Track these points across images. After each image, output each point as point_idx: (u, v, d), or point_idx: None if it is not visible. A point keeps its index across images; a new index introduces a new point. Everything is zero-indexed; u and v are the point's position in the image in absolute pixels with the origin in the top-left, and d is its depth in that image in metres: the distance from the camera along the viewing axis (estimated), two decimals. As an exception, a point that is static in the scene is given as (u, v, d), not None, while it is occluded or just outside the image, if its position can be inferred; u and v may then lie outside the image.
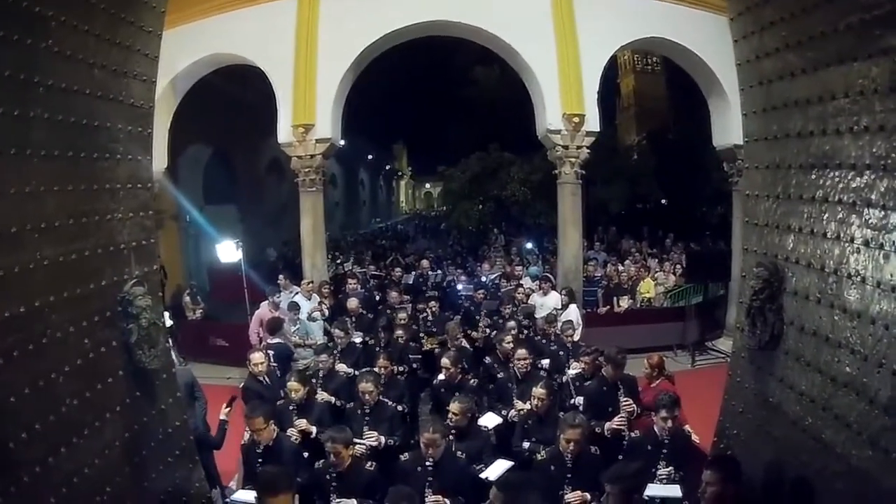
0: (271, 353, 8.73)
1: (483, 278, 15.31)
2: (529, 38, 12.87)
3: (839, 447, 3.57)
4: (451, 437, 6.01)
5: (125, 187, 4.23)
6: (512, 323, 9.60)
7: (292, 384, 6.90)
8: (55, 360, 3.42)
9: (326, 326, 10.93)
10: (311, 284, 12.07)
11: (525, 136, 16.80)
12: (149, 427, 4.38)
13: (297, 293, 11.95)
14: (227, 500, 6.31)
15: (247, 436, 6.27)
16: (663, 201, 28.34)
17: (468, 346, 9.66)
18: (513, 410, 7.24)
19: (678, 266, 16.66)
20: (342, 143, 13.68)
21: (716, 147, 14.30)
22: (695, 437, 6.53)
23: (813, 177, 3.84)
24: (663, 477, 5.60)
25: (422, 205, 79.64)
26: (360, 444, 6.24)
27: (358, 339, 9.78)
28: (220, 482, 7.31)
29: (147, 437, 4.34)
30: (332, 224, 26.28)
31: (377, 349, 8.88)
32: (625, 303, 14.34)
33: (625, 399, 6.85)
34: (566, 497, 5.35)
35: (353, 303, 10.92)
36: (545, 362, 8.90)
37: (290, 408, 6.82)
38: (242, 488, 6.23)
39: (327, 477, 5.48)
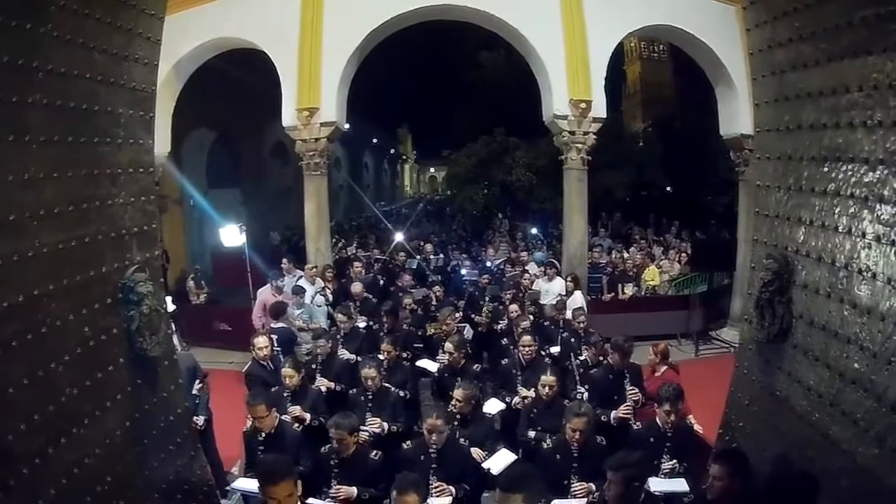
0: (275, 337, 8.71)
1: (488, 263, 15.30)
2: (537, 22, 12.81)
3: (845, 444, 3.53)
4: (454, 423, 6.00)
5: (126, 172, 4.18)
6: (514, 307, 9.56)
7: (286, 370, 6.90)
8: (55, 350, 3.38)
9: (330, 311, 10.91)
10: (314, 269, 12.04)
11: (530, 121, 16.76)
12: (150, 415, 4.34)
13: (300, 277, 11.94)
14: (228, 487, 6.30)
15: (249, 422, 6.25)
16: (668, 189, 28.27)
17: (469, 331, 9.64)
18: (516, 398, 7.22)
19: (683, 254, 16.61)
20: (347, 126, 13.62)
21: (722, 136, 14.20)
22: (697, 428, 6.54)
23: (825, 169, 3.78)
24: (667, 471, 5.59)
25: (426, 189, 79.52)
26: (362, 430, 6.23)
27: (361, 324, 9.77)
28: (221, 468, 7.30)
29: (149, 426, 4.31)
30: (337, 208, 26.22)
31: (381, 334, 8.85)
32: (629, 290, 14.33)
33: (631, 388, 6.84)
34: (572, 487, 5.34)
35: (357, 287, 10.91)
36: (555, 349, 8.90)
37: (285, 394, 6.81)
38: (244, 476, 6.23)
39: (330, 462, 5.47)
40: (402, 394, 7.19)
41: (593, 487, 5.32)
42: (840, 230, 3.63)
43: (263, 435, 5.90)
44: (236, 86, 19.27)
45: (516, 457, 6.24)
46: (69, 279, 3.53)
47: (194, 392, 6.88)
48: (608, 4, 12.86)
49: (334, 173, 29.29)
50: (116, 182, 4.06)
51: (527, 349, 7.60)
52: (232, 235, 13.26)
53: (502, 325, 10.00)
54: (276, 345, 8.30)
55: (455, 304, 10.66)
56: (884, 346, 3.25)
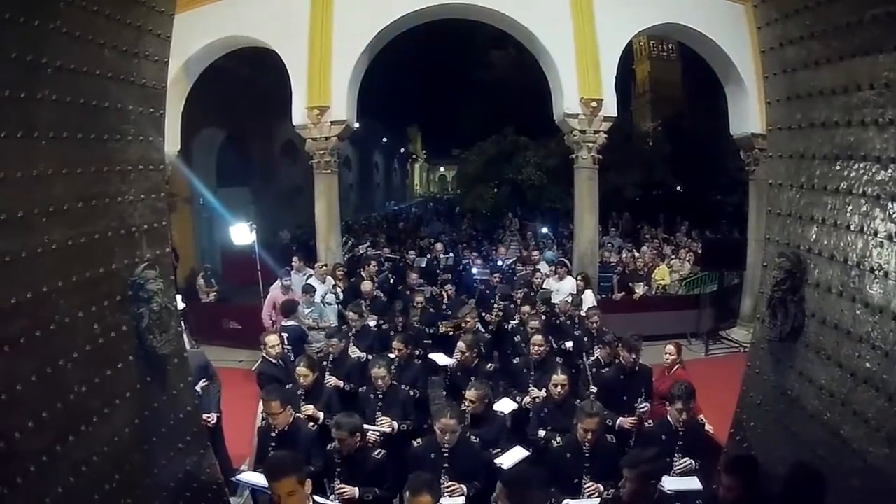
0: (285, 335, 8.71)
1: (499, 262, 15.29)
2: (547, 21, 12.80)
3: (857, 443, 3.51)
4: (466, 422, 5.98)
5: (136, 169, 4.16)
6: (527, 307, 9.53)
7: (301, 369, 6.89)
8: (63, 347, 3.36)
9: (340, 309, 10.90)
10: (324, 267, 12.04)
11: (540, 120, 16.77)
12: (159, 413, 4.33)
13: (310, 275, 11.93)
14: (233, 478, 6.30)
15: (259, 419, 6.25)
16: (678, 188, 28.21)
17: (483, 331, 9.62)
18: (527, 397, 7.20)
19: (693, 254, 16.56)
20: (357, 125, 13.60)
21: (733, 135, 14.16)
22: (708, 427, 6.51)
23: (837, 168, 3.75)
24: (680, 469, 5.57)
25: (436, 188, 79.63)
26: (372, 430, 6.22)
27: (372, 323, 9.76)
28: (230, 466, 7.30)
29: (158, 424, 4.29)
30: (347, 207, 26.27)
31: (391, 333, 8.84)
32: (640, 289, 14.28)
33: (642, 405, 6.84)
34: (584, 487, 5.32)
35: (367, 286, 10.91)
36: (568, 344, 8.91)
37: (299, 393, 6.79)
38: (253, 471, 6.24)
39: (335, 461, 5.48)
40: (412, 392, 7.17)
41: (602, 488, 5.31)
42: (852, 229, 3.60)
43: (276, 431, 5.88)
44: (246, 84, 19.36)
45: (528, 453, 6.22)
46: (78, 276, 3.52)
47: (197, 389, 6.84)
48: (618, 3, 12.84)
49: (344, 172, 29.33)
50: (126, 179, 4.05)
51: (538, 349, 7.59)
52: (242, 234, 13.29)
53: (513, 323, 9.96)
54: (286, 343, 8.29)
55: (466, 302, 10.63)
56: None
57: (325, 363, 7.72)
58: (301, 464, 4.30)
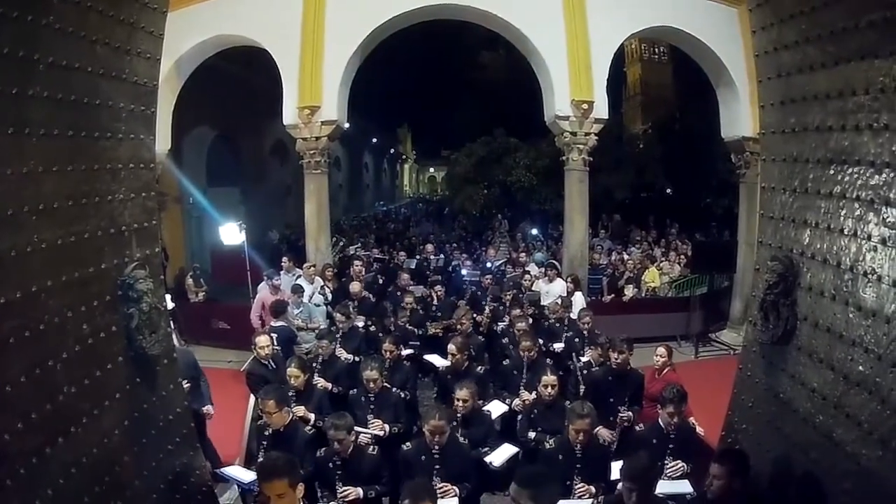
0: (274, 335, 8.68)
1: (488, 264, 15.29)
2: (539, 23, 12.80)
3: (849, 446, 3.53)
4: (456, 423, 5.96)
5: (127, 167, 4.13)
6: (518, 311, 9.53)
7: (292, 370, 6.87)
8: (53, 347, 3.33)
9: (329, 310, 10.87)
10: (312, 268, 12.00)
11: (531, 121, 16.85)
12: (149, 414, 4.30)
13: (299, 276, 11.90)
14: (217, 471, 6.26)
15: (248, 419, 6.24)
16: (668, 191, 28.30)
17: (475, 333, 9.61)
18: (516, 400, 7.19)
19: (683, 256, 16.60)
20: (347, 125, 13.58)
21: (724, 138, 14.23)
22: (699, 430, 6.52)
23: (831, 172, 3.78)
24: (672, 473, 5.58)
25: (426, 189, 79.68)
26: (364, 433, 6.19)
27: (360, 324, 9.73)
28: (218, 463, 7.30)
29: (148, 425, 4.27)
30: (336, 207, 26.28)
31: (379, 334, 8.81)
32: (629, 291, 14.29)
33: (625, 413, 6.90)
34: (575, 488, 5.31)
35: (355, 286, 10.86)
36: (558, 346, 8.91)
37: (290, 394, 6.74)
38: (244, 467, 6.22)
39: (331, 465, 5.43)
40: (403, 394, 7.15)
41: (593, 490, 5.32)
42: (846, 233, 3.63)
43: (270, 431, 5.84)
44: (237, 84, 19.35)
45: (518, 450, 6.27)
46: (68, 275, 3.49)
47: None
48: (610, 5, 12.84)
49: (334, 172, 29.31)
50: (116, 178, 4.02)
51: (527, 353, 7.58)
52: (231, 234, 13.24)
53: (503, 325, 9.95)
54: (275, 343, 8.26)
55: (455, 304, 10.61)
56: (888, 349, 3.25)
57: (314, 364, 7.69)
58: (295, 467, 4.26)
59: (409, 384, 7.56)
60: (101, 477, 3.64)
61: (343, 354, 8.30)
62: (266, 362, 7.64)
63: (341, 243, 18.67)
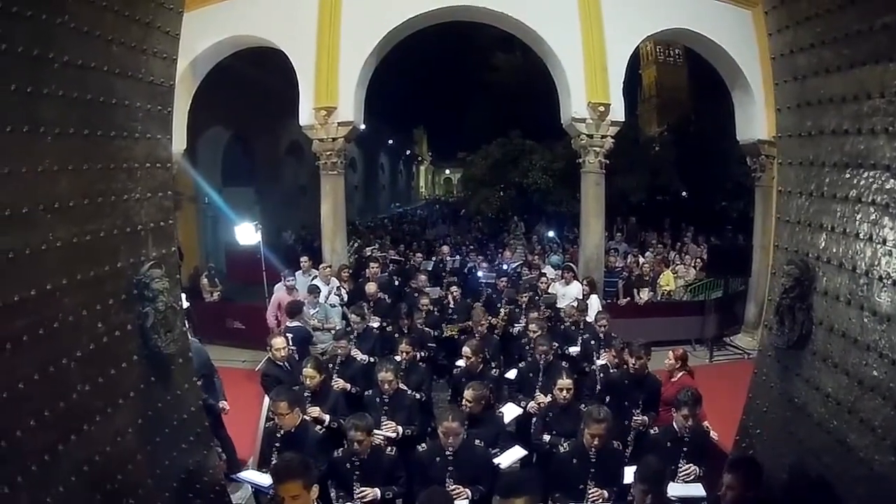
0: (290, 335, 8.69)
1: (504, 266, 15.27)
2: (555, 24, 12.79)
3: (863, 451, 3.49)
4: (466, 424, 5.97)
5: (143, 167, 4.13)
6: (535, 314, 9.51)
7: (308, 371, 6.84)
8: (67, 345, 3.33)
9: (344, 311, 10.88)
10: (328, 269, 12.02)
11: (546, 123, 16.77)
12: (163, 413, 4.29)
13: (316, 276, 11.92)
14: (235, 476, 6.29)
15: (263, 419, 6.24)
16: (683, 194, 28.21)
17: (491, 334, 9.59)
18: (532, 402, 7.17)
19: (698, 260, 16.53)
20: (363, 126, 13.61)
21: (739, 141, 14.20)
22: (713, 434, 6.49)
23: (847, 176, 3.72)
24: (685, 476, 5.56)
25: (441, 190, 79.78)
26: (378, 434, 6.19)
27: (375, 325, 9.73)
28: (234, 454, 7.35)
29: (161, 424, 4.26)
30: (351, 208, 26.39)
31: (395, 335, 8.81)
32: (645, 295, 14.24)
33: (640, 416, 6.89)
34: (588, 494, 5.29)
35: (371, 287, 10.86)
36: (574, 349, 8.88)
37: (305, 395, 6.75)
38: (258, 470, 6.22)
39: (348, 466, 5.46)
40: (417, 396, 7.15)
41: (606, 494, 5.30)
42: (861, 237, 3.58)
43: (282, 432, 5.84)
44: (252, 84, 19.40)
45: (526, 452, 6.28)
46: (83, 274, 3.49)
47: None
48: (626, 7, 12.82)
49: (349, 173, 29.39)
50: (132, 177, 4.02)
51: (543, 356, 7.57)
52: (247, 233, 13.29)
53: (518, 328, 9.93)
54: (291, 343, 8.27)
55: (471, 305, 10.60)
56: (902, 354, 3.20)
57: (331, 365, 7.69)
58: (309, 469, 4.28)
59: (424, 386, 7.55)
60: (114, 475, 3.64)
61: (359, 355, 8.30)
62: (281, 364, 7.63)
63: (357, 244, 18.71)
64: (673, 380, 7.50)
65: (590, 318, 9.65)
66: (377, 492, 5.34)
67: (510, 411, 7.11)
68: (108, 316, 3.72)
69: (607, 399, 7.01)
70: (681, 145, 27.56)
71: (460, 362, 7.86)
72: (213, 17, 12.55)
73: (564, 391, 6.47)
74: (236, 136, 21.29)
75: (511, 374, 7.96)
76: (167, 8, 4.26)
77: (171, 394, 4.45)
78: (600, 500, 5.28)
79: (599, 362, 8.06)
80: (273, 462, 5.46)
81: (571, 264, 14.22)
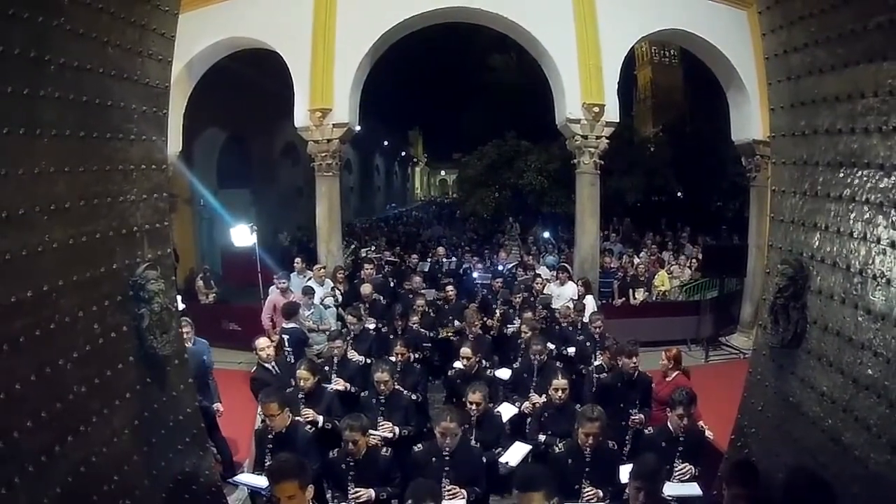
0: (286, 337, 8.68)
1: (500, 267, 15.28)
2: (549, 25, 12.80)
3: (858, 450, 3.51)
4: (468, 425, 5.97)
5: (139, 168, 4.15)
6: (529, 314, 9.52)
7: (302, 372, 6.85)
8: (63, 346, 3.34)
9: (340, 312, 10.88)
10: (322, 270, 12.04)
11: (542, 124, 16.81)
12: (159, 414, 4.31)
13: (310, 278, 11.92)
14: (230, 479, 6.30)
15: (259, 421, 6.24)
16: (679, 194, 28.24)
17: (484, 335, 9.60)
18: (526, 403, 7.19)
19: (693, 260, 16.56)
20: (358, 127, 13.61)
21: (734, 141, 14.24)
22: (708, 433, 6.50)
23: (840, 175, 3.75)
24: (680, 475, 5.57)
25: (437, 192, 79.76)
26: (374, 434, 6.20)
27: (371, 326, 9.73)
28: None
29: (157, 425, 4.28)
30: (346, 209, 26.38)
31: (390, 336, 8.82)
32: (640, 295, 14.26)
33: (637, 415, 6.94)
34: (583, 493, 5.30)
35: (366, 289, 10.87)
36: (571, 350, 8.91)
37: (299, 396, 6.76)
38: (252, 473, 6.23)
39: (343, 466, 5.46)
40: (414, 396, 7.17)
41: (601, 494, 5.31)
42: (855, 236, 3.60)
43: (273, 433, 5.85)
44: (248, 86, 19.36)
45: (531, 447, 6.27)
46: (79, 275, 3.50)
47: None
48: (621, 8, 12.85)
49: (344, 174, 29.39)
50: (128, 178, 4.03)
51: (537, 356, 7.59)
52: (243, 235, 13.28)
53: (513, 328, 9.94)
54: (287, 345, 8.26)
55: (467, 306, 10.61)
56: (897, 352, 3.22)
57: (327, 366, 7.69)
58: (305, 469, 4.30)
59: (419, 387, 7.56)
60: (110, 476, 3.65)
61: (355, 356, 8.31)
62: (269, 366, 7.63)
63: (354, 245, 18.71)
64: (667, 379, 7.51)
65: (586, 318, 9.65)
66: (371, 492, 5.33)
67: (506, 411, 7.12)
68: (105, 317, 3.73)
69: (603, 400, 7.02)
70: (676, 146, 27.55)
71: (457, 364, 7.85)
72: (209, 19, 12.51)
73: (560, 391, 6.49)
74: (232, 138, 21.22)
75: (504, 373, 8.00)
76: (162, 10, 4.27)
77: (167, 395, 4.46)
78: (595, 500, 5.29)
79: (594, 363, 8.07)
80: (267, 463, 5.47)
81: (566, 265, 14.25)
